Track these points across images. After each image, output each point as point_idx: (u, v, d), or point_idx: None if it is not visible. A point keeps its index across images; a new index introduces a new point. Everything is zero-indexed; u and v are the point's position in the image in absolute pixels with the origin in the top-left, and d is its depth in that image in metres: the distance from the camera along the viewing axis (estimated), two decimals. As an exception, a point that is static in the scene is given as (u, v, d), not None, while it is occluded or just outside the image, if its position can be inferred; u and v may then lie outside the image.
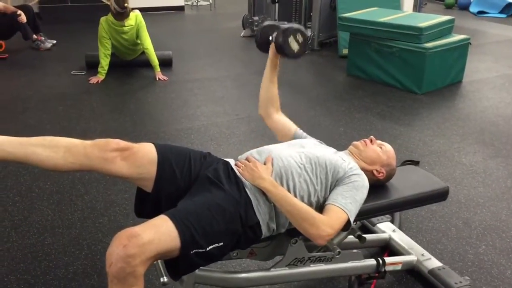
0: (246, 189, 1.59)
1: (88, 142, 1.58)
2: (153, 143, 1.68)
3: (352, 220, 1.60)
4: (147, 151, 1.62)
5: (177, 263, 1.43)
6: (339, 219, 1.57)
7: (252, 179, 1.60)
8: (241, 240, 1.56)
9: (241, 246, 1.60)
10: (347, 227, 1.60)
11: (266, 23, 2.05)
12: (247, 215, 1.55)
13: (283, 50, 1.87)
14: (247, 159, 1.71)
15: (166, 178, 1.61)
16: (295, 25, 1.87)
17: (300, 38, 1.82)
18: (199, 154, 1.73)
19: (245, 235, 1.55)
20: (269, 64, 2.06)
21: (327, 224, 1.54)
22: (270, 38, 1.99)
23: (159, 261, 1.85)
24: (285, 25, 1.88)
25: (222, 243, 1.47)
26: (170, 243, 1.37)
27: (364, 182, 1.68)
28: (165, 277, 1.54)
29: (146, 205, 1.65)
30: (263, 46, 2.03)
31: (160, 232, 1.36)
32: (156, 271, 1.70)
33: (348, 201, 1.61)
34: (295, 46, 1.84)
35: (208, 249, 1.44)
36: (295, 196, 1.62)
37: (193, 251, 1.41)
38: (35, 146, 1.54)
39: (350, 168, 1.69)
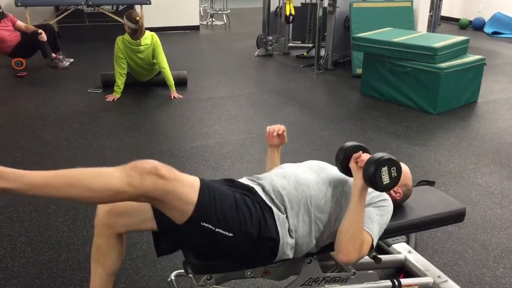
0: (275, 217, 1.57)
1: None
2: None
3: (375, 244, 1.60)
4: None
5: (182, 227, 1.45)
6: (368, 243, 1.58)
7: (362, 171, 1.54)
8: (254, 252, 1.54)
9: (253, 260, 1.58)
10: (369, 251, 1.61)
11: (351, 143, 1.67)
12: (267, 226, 1.54)
13: (371, 180, 1.52)
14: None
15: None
16: (393, 157, 1.54)
17: (394, 172, 1.54)
18: None
19: (258, 247, 1.53)
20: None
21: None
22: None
23: (173, 278, 1.86)
24: (379, 153, 1.55)
25: (231, 235, 1.47)
26: (187, 194, 1.41)
27: (389, 208, 1.69)
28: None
29: (162, 243, 1.64)
30: (347, 169, 1.66)
31: (185, 178, 1.44)
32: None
33: (375, 225, 1.61)
34: (386, 179, 1.53)
35: (216, 230, 1.45)
36: (317, 226, 1.62)
37: (204, 223, 1.44)
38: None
39: (377, 195, 1.69)
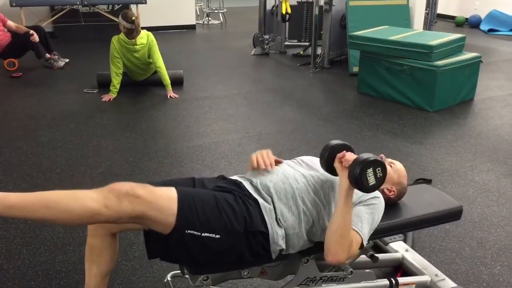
0: (262, 208, 1.57)
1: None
2: None
3: (365, 243, 1.60)
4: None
5: (168, 237, 1.44)
6: (357, 243, 1.57)
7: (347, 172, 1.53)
8: (246, 249, 1.53)
9: (247, 258, 1.56)
10: (359, 249, 1.60)
11: (335, 142, 1.66)
12: (252, 220, 1.53)
13: (356, 181, 1.50)
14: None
15: None
16: (377, 157, 1.53)
17: (379, 173, 1.51)
18: (187, 179, 1.74)
19: (248, 243, 1.52)
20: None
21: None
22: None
23: (169, 279, 1.85)
24: (364, 154, 1.52)
25: (218, 236, 1.47)
26: (166, 207, 1.41)
27: (380, 206, 1.68)
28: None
29: (153, 243, 1.61)
30: (332, 168, 1.64)
31: (162, 192, 1.44)
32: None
33: (365, 224, 1.61)
34: (371, 180, 1.51)
35: (202, 235, 1.45)
36: (306, 217, 1.61)
37: (188, 231, 1.43)
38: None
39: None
